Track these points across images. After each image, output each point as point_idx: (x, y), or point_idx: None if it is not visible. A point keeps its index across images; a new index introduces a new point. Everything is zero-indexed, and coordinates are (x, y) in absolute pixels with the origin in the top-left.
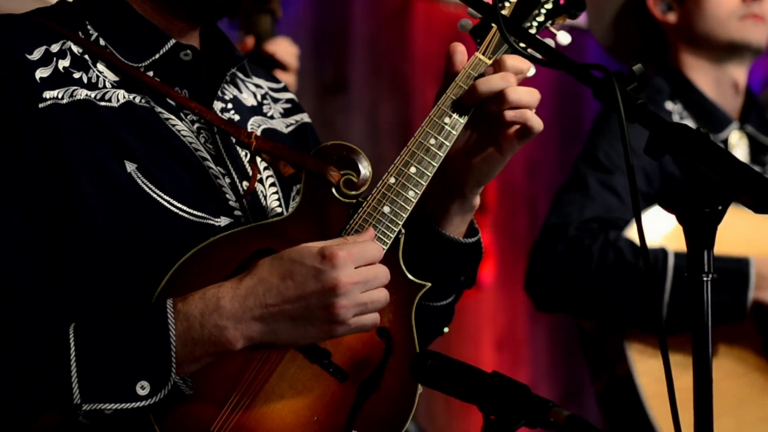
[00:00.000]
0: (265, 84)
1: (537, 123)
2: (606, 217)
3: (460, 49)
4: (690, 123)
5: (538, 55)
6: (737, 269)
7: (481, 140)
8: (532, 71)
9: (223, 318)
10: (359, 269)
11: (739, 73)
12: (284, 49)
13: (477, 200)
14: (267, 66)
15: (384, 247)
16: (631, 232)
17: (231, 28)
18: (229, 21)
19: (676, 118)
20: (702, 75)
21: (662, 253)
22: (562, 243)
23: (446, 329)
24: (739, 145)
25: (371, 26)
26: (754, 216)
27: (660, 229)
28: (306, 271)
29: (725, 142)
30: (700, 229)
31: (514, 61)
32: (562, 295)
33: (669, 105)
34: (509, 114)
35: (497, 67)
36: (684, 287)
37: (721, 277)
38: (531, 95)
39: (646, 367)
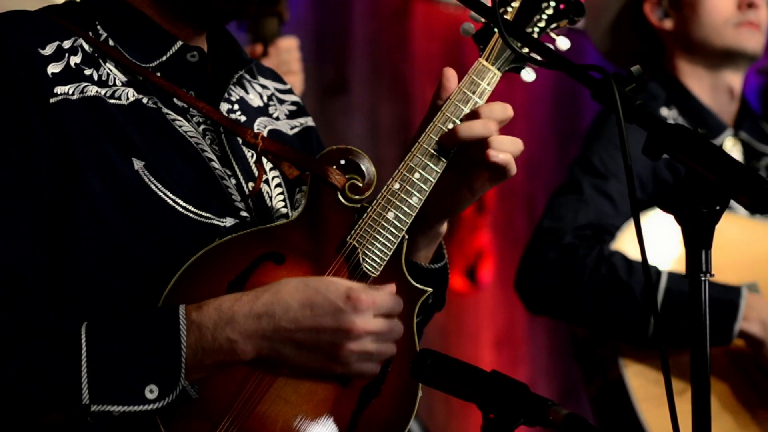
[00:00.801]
0: (271, 85)
1: (514, 168)
2: (599, 223)
3: (453, 75)
4: None
5: (539, 58)
6: (727, 299)
7: (453, 178)
8: (533, 76)
9: (235, 332)
10: (377, 320)
11: (734, 79)
12: (287, 47)
13: (444, 228)
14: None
15: (387, 251)
16: (623, 243)
17: (239, 30)
18: (237, 24)
19: None
20: (697, 81)
21: (655, 272)
22: (555, 250)
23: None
24: (733, 151)
25: (371, 28)
26: (744, 220)
27: (653, 234)
28: (327, 306)
29: None
30: (698, 229)
31: (495, 112)
32: (552, 301)
33: (664, 111)
34: (492, 154)
35: (478, 113)
36: (673, 309)
37: (710, 304)
38: (514, 144)
39: (637, 371)
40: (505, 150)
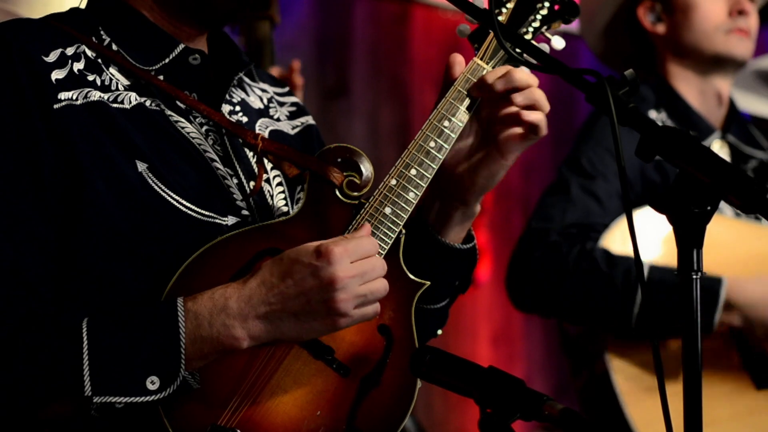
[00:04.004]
0: (270, 89)
1: (544, 125)
2: (586, 222)
3: (458, 60)
4: None
5: (534, 61)
6: (708, 288)
7: (483, 145)
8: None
9: (230, 317)
10: (355, 263)
11: (723, 84)
12: (280, 74)
13: (478, 207)
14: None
15: (385, 246)
16: (610, 236)
17: (232, 33)
18: (230, 27)
19: None
20: (687, 85)
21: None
22: (541, 248)
23: (440, 331)
24: (720, 154)
25: (372, 33)
26: (731, 221)
27: (639, 233)
28: (304, 269)
29: None
30: (689, 228)
31: (513, 76)
32: (539, 299)
33: (653, 113)
34: (525, 114)
35: (502, 77)
36: (653, 298)
37: None
38: (544, 99)
39: (622, 366)
40: (538, 102)
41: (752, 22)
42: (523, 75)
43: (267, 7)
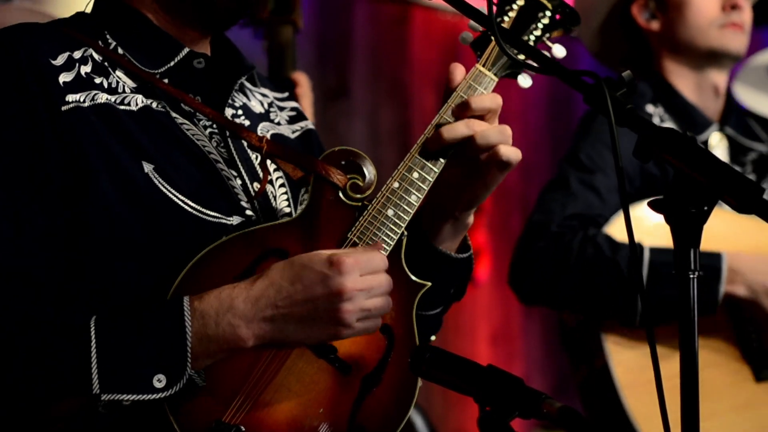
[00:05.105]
0: (270, 94)
1: (513, 155)
2: (586, 214)
3: (460, 68)
4: (671, 125)
5: (534, 64)
6: (709, 264)
7: (465, 173)
8: (529, 82)
9: (236, 317)
10: (364, 277)
11: (719, 77)
12: (305, 83)
13: (470, 219)
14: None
15: (387, 248)
16: (611, 229)
17: (255, 37)
18: (253, 31)
19: (656, 121)
20: (684, 80)
21: (638, 248)
22: (544, 239)
23: (433, 337)
24: (719, 147)
25: (372, 35)
26: (731, 215)
27: (640, 225)
28: (314, 276)
29: (705, 143)
30: (686, 228)
31: (479, 102)
32: (544, 289)
33: (650, 108)
34: (483, 156)
35: (463, 110)
36: (658, 280)
37: None
38: (501, 134)
39: (621, 359)
40: (492, 143)
41: (745, 16)
42: (458, 129)
43: (289, 11)
